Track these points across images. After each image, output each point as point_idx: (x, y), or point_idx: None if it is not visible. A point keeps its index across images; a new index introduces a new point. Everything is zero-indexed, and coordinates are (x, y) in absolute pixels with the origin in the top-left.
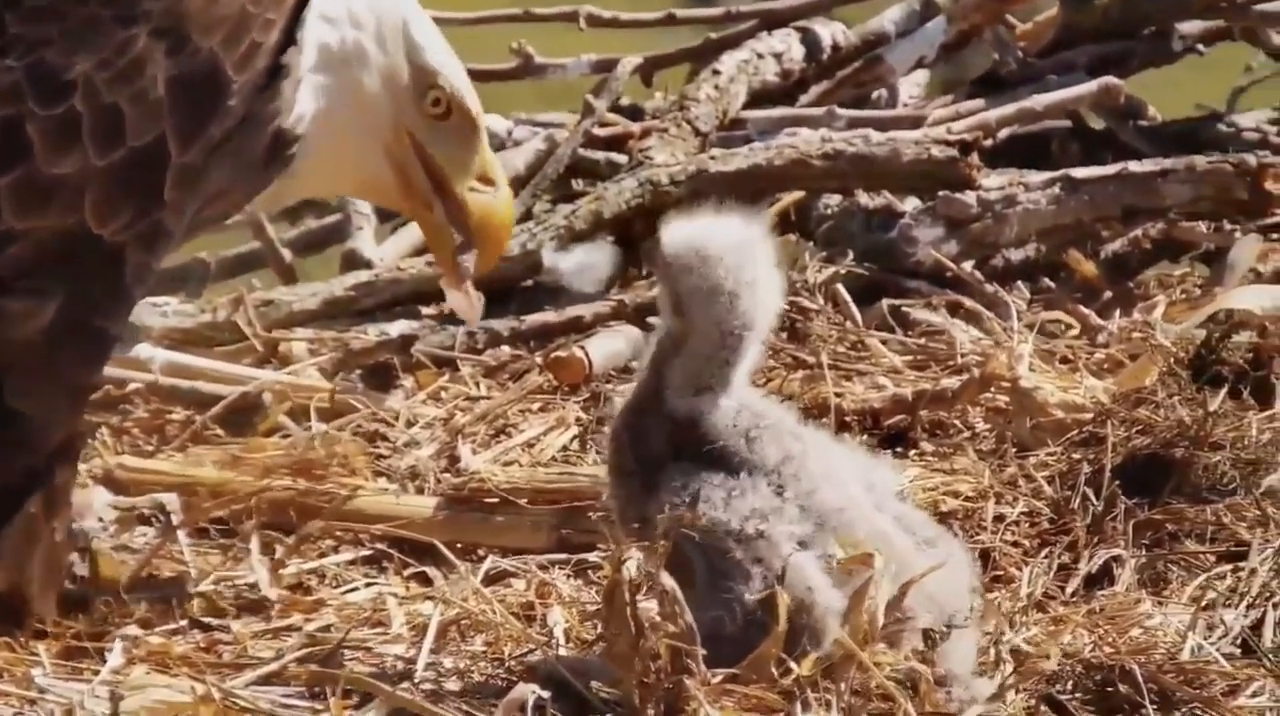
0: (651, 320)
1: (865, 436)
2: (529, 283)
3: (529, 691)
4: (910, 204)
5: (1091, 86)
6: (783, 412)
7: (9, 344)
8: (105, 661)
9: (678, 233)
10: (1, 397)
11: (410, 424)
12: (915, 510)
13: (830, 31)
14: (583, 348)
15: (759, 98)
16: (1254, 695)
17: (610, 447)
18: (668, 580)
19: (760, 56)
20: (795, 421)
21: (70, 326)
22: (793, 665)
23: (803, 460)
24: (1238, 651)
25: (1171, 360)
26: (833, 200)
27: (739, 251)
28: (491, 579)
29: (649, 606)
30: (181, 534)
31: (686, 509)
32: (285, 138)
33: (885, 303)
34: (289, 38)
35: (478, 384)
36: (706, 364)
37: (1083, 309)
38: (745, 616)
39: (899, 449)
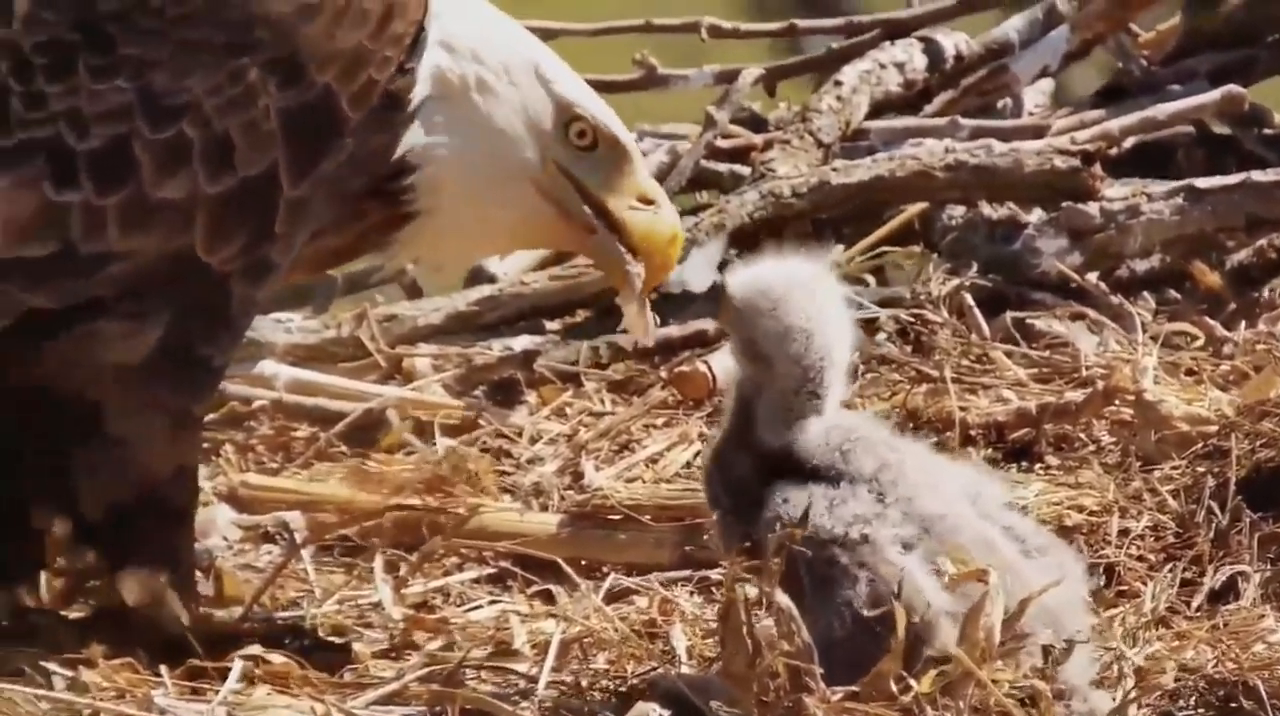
0: None
1: (989, 450)
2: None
3: (649, 709)
4: (1035, 215)
5: (1214, 95)
6: (875, 425)
7: (108, 367)
8: (225, 681)
9: (743, 278)
10: (102, 422)
11: (534, 440)
12: (1025, 520)
13: (953, 41)
14: (706, 362)
15: (882, 108)
16: None
17: (704, 483)
18: (783, 598)
19: (883, 67)
20: (889, 433)
21: (171, 353)
22: (912, 682)
23: (900, 468)
24: None
25: None
26: (957, 212)
27: (805, 289)
28: (614, 596)
29: (766, 624)
30: (305, 552)
31: (795, 524)
32: (399, 168)
33: (1009, 315)
34: (404, 70)
35: (602, 399)
36: (793, 401)
37: (1207, 320)
38: (854, 621)
39: (1023, 463)
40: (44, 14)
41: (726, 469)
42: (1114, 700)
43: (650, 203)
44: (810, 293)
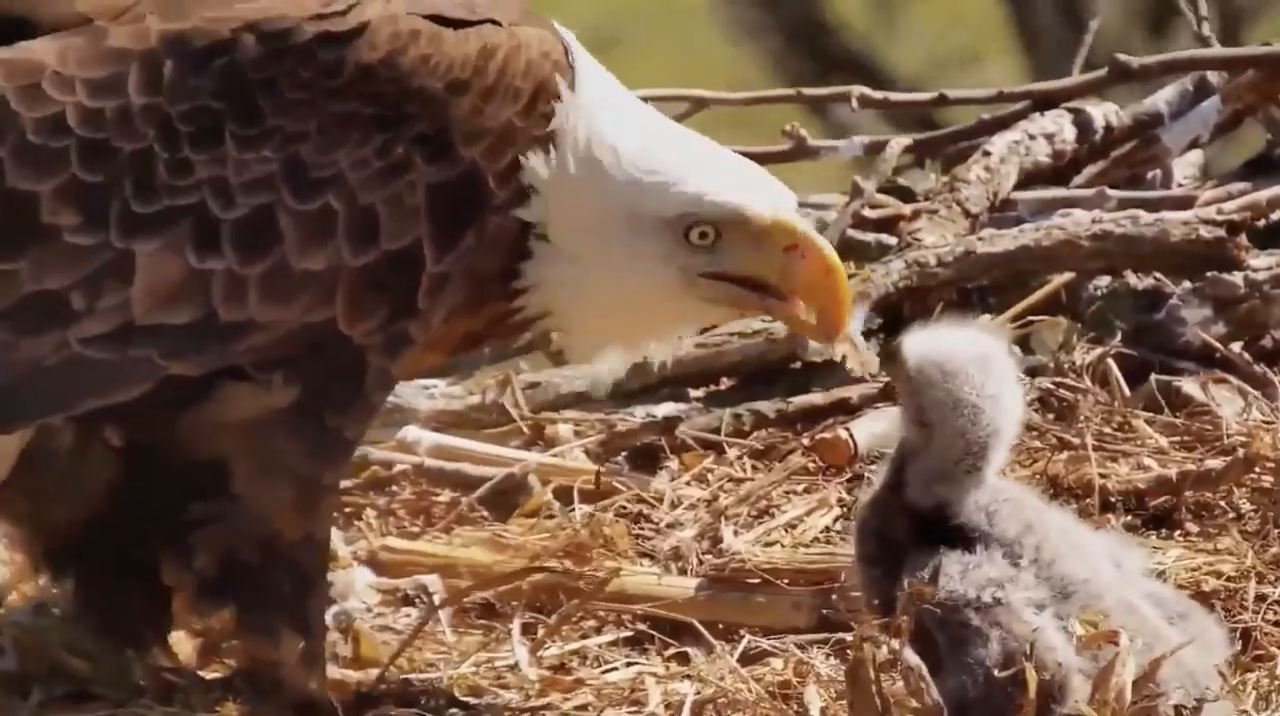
0: None
1: (1129, 517)
2: (796, 364)
3: None
4: (1181, 285)
5: None
6: (1024, 491)
7: (238, 430)
8: None
9: (920, 345)
10: (230, 484)
11: (674, 505)
12: (1166, 587)
13: (1103, 112)
14: (848, 429)
15: (1030, 179)
16: None
17: (856, 536)
18: (912, 656)
19: (1032, 138)
20: (1036, 498)
21: (304, 421)
22: None
23: (1044, 532)
24: None
25: None
26: (1102, 281)
27: (981, 363)
28: (750, 658)
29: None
30: (443, 615)
31: (926, 584)
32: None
33: (1153, 379)
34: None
35: (743, 466)
36: (952, 469)
37: None
38: (986, 681)
39: (1163, 530)
40: (191, 81)
41: (878, 521)
42: None
43: (794, 243)
44: (985, 366)
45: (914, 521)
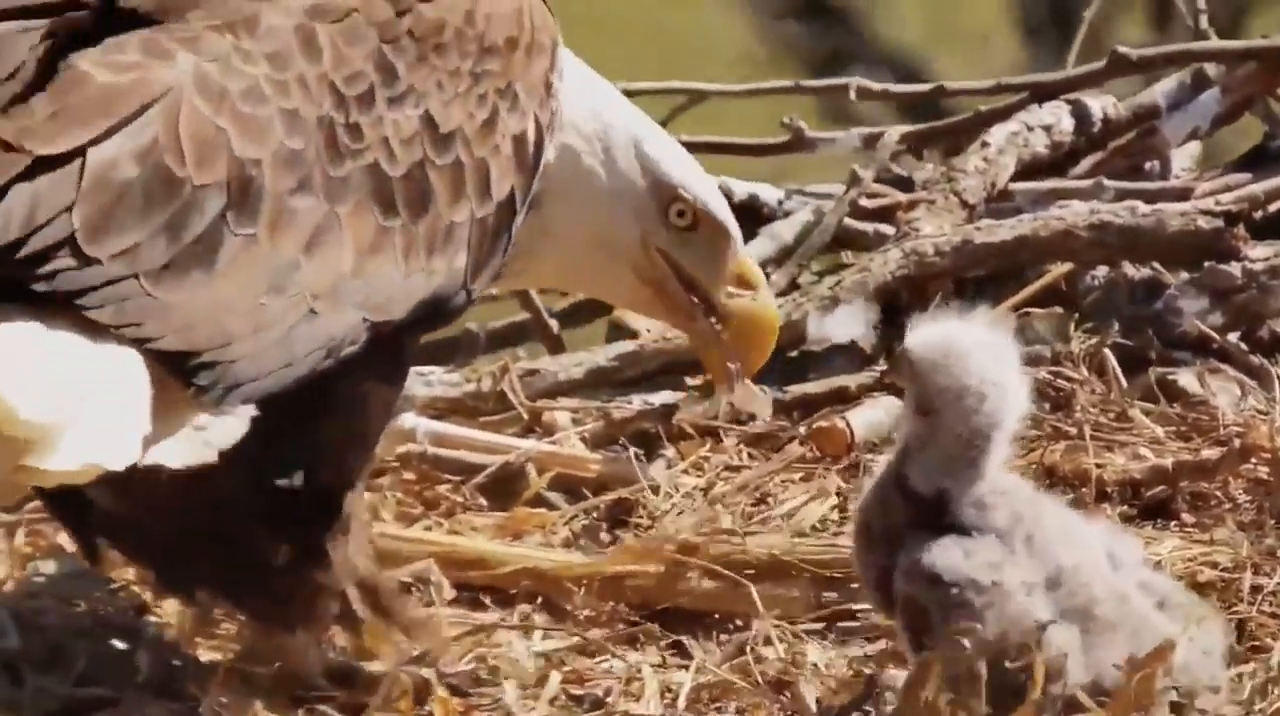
0: None
1: (1125, 506)
2: (793, 353)
3: None
4: (1178, 276)
5: None
6: (1017, 481)
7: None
8: None
9: (924, 334)
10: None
11: (672, 493)
12: (1161, 576)
13: (1101, 104)
14: (845, 418)
15: (1028, 170)
16: None
17: (856, 521)
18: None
19: (1030, 129)
20: (1030, 489)
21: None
22: None
23: (1035, 522)
24: None
25: None
26: (1100, 272)
27: (986, 352)
28: (747, 647)
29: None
30: (443, 603)
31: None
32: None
33: (1152, 372)
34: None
35: (740, 454)
36: (953, 462)
37: None
38: (979, 655)
39: (1159, 520)
40: (344, 49)
41: (879, 507)
42: None
43: (750, 287)
44: (989, 354)
45: (914, 508)
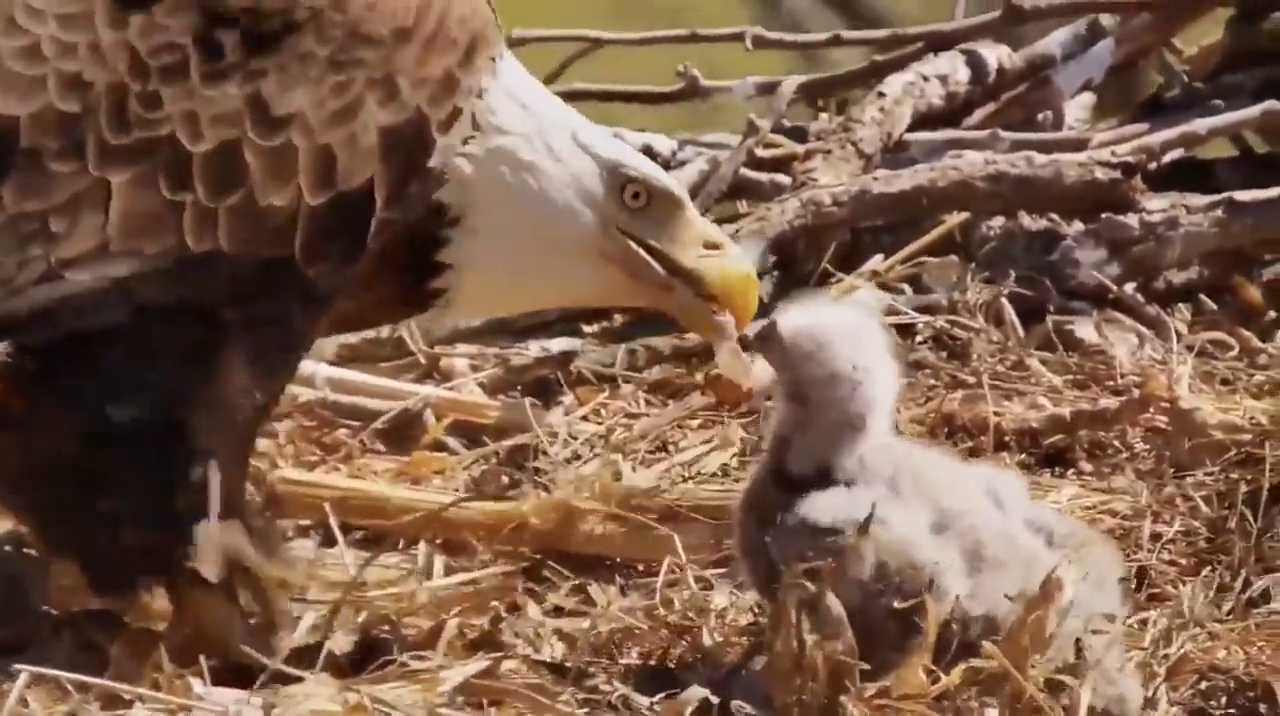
0: None
1: (1023, 455)
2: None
3: (696, 695)
4: (1074, 227)
5: (1255, 111)
6: (892, 436)
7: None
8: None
9: (795, 320)
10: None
11: (571, 440)
12: (1046, 509)
13: (996, 54)
14: None
15: (924, 120)
16: None
17: (738, 534)
18: (835, 603)
19: (926, 79)
20: (905, 441)
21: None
22: (942, 675)
23: (916, 470)
24: None
25: None
26: (996, 222)
27: (856, 337)
28: (648, 593)
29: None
30: (344, 547)
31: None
32: (438, 235)
33: (1050, 321)
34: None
35: (638, 401)
36: (830, 447)
37: (1243, 331)
38: (862, 596)
39: (1057, 468)
40: (157, 18)
41: (760, 504)
42: (1145, 696)
43: (715, 247)
44: (857, 339)
45: (796, 493)
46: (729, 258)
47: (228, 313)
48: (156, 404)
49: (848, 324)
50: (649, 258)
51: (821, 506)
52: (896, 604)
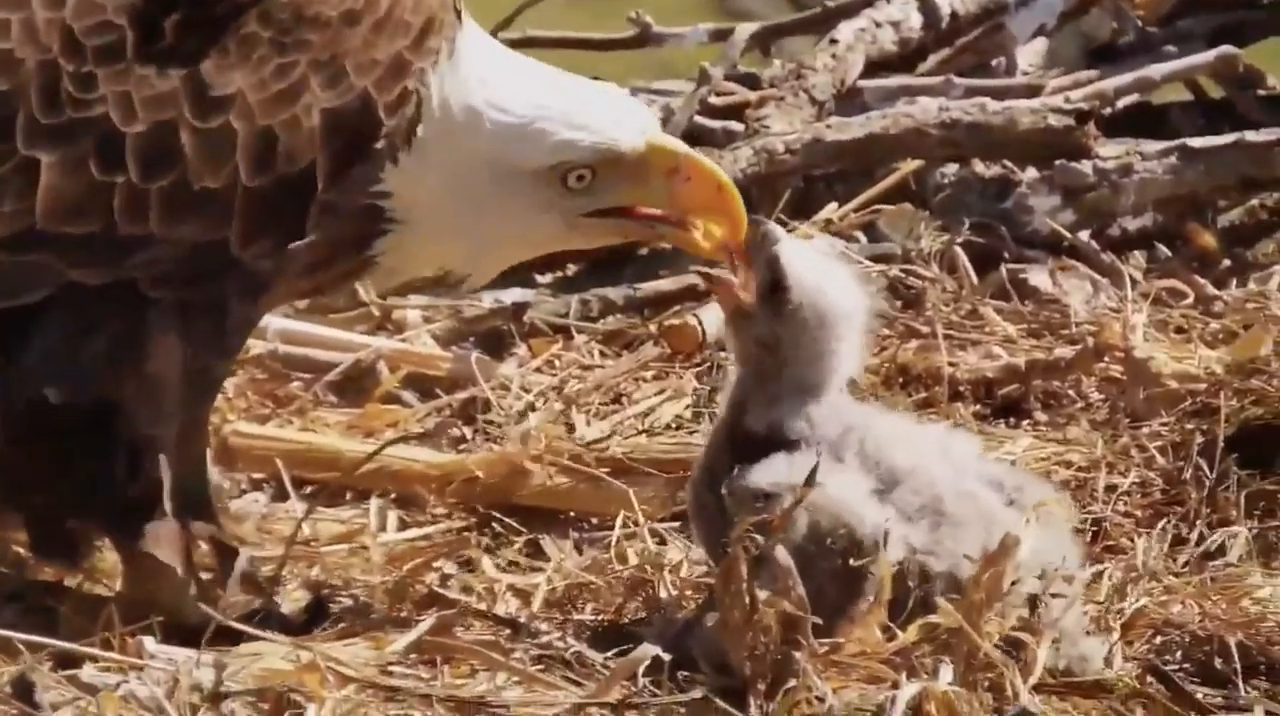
0: None
1: (978, 406)
2: (643, 251)
3: (649, 652)
4: (1028, 173)
5: (1209, 56)
6: (843, 396)
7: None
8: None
9: (810, 286)
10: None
11: (524, 392)
12: (999, 464)
13: (949, 0)
14: (697, 316)
15: (876, 67)
16: None
17: (690, 497)
18: (784, 556)
19: (878, 25)
20: (853, 399)
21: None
22: (898, 631)
23: (866, 430)
24: None
25: None
26: (950, 169)
27: (852, 319)
28: (602, 547)
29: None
30: (295, 500)
31: (804, 485)
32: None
33: (1004, 269)
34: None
35: (591, 352)
36: (784, 407)
37: (1197, 278)
38: (798, 556)
39: (1012, 419)
40: (95, 0)
41: (714, 467)
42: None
43: (675, 167)
44: (853, 321)
45: (744, 449)
46: (695, 176)
47: (160, 294)
48: (89, 386)
49: (852, 304)
50: (626, 219)
51: (764, 472)
52: (796, 540)
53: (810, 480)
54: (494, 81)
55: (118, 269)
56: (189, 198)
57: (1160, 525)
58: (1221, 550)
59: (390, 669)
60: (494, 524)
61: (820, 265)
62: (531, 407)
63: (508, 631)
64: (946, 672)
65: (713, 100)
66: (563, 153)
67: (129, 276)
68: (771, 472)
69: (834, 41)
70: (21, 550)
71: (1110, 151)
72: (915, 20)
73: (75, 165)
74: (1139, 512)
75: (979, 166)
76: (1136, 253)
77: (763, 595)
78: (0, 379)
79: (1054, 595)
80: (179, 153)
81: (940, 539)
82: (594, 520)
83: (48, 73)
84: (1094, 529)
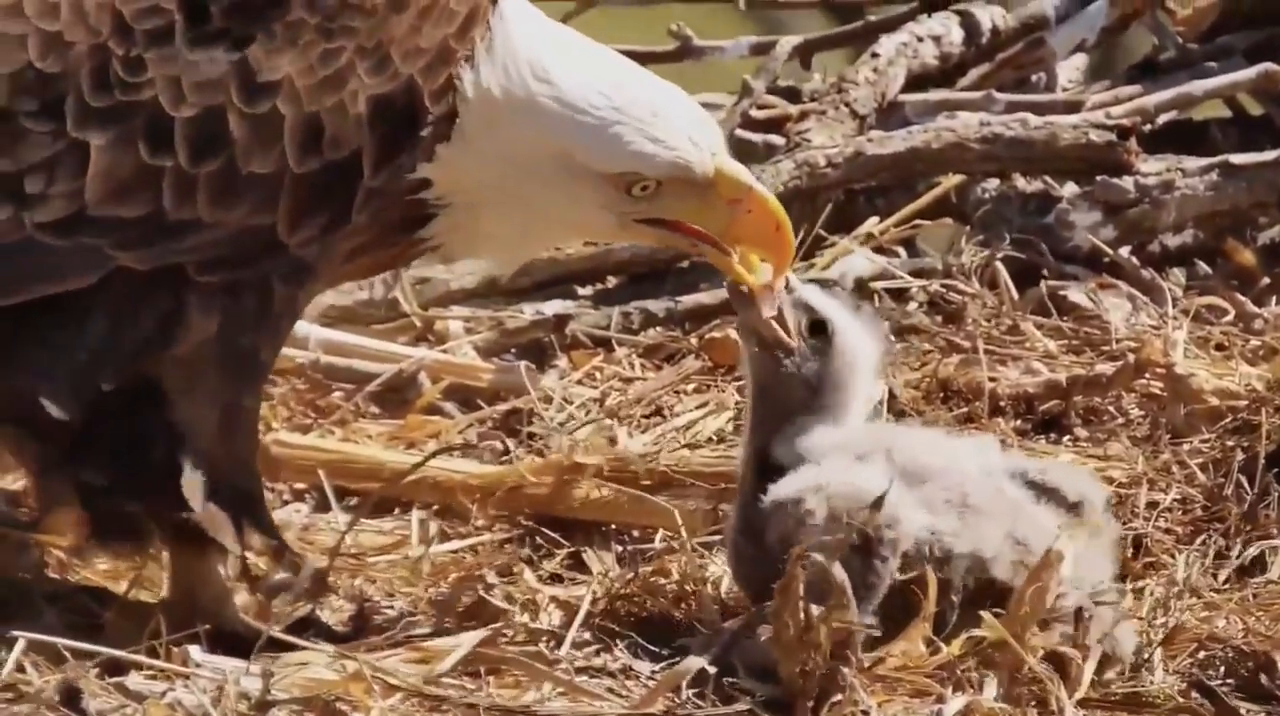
0: None
1: (1018, 421)
2: (684, 264)
3: (694, 664)
4: (1069, 189)
5: (1250, 73)
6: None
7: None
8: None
9: (853, 347)
10: (162, 407)
11: (565, 404)
12: (1032, 459)
13: (990, 15)
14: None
15: (917, 81)
16: None
17: (730, 550)
18: (840, 574)
19: (919, 39)
20: (886, 425)
21: (223, 346)
22: (942, 646)
23: (891, 438)
24: None
25: None
26: (991, 184)
27: (873, 356)
28: (645, 560)
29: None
30: (337, 511)
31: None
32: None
33: (1043, 286)
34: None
35: (632, 364)
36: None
37: (1238, 295)
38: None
39: (1052, 434)
40: None
41: (751, 519)
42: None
43: (738, 192)
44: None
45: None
46: (757, 210)
47: (207, 278)
48: (132, 370)
49: (871, 352)
50: (675, 233)
51: (789, 482)
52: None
53: (878, 504)
54: (558, 71)
55: (166, 253)
56: (237, 182)
57: (1201, 541)
58: (1263, 566)
59: (438, 682)
60: (536, 536)
61: (838, 307)
62: (572, 419)
63: (552, 643)
64: (991, 687)
65: (754, 113)
66: (636, 164)
67: (177, 261)
68: (795, 481)
69: (875, 55)
70: (64, 555)
71: (1151, 167)
72: (956, 35)
73: (125, 148)
74: (1180, 529)
75: (1020, 182)
76: (1176, 269)
77: (816, 610)
78: (52, 365)
79: (1098, 603)
80: (227, 137)
81: (965, 524)
82: (634, 532)
83: (98, 56)
84: (1135, 545)
